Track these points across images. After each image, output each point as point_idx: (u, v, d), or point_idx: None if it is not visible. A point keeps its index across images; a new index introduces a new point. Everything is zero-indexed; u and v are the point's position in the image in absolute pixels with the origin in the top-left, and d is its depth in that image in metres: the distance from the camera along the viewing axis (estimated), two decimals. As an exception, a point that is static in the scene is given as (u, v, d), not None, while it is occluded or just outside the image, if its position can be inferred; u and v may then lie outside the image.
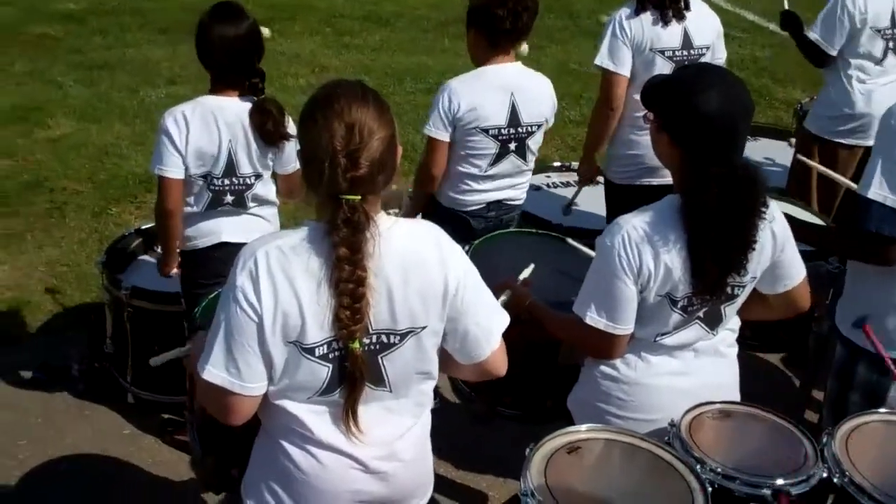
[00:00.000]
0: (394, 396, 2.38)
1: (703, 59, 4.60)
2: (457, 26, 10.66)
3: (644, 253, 2.64)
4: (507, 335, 2.50)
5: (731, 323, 2.93)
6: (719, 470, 2.58)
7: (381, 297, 2.23)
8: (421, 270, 2.28)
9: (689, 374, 2.87)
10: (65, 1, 10.97)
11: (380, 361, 2.30)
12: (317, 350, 2.23)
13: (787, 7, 5.51)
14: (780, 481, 2.55)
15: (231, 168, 3.81)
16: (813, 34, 5.26)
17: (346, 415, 2.32)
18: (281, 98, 3.94)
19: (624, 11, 4.54)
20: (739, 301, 2.83)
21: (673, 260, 2.64)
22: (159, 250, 4.33)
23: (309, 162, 2.22)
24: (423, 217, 3.27)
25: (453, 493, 4.13)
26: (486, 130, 4.07)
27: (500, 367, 2.52)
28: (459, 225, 4.12)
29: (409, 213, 4.20)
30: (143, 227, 5.02)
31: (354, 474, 2.39)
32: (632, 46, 4.50)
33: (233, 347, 2.21)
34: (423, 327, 2.31)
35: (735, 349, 3.01)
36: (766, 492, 2.55)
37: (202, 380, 2.26)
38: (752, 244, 2.66)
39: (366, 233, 2.17)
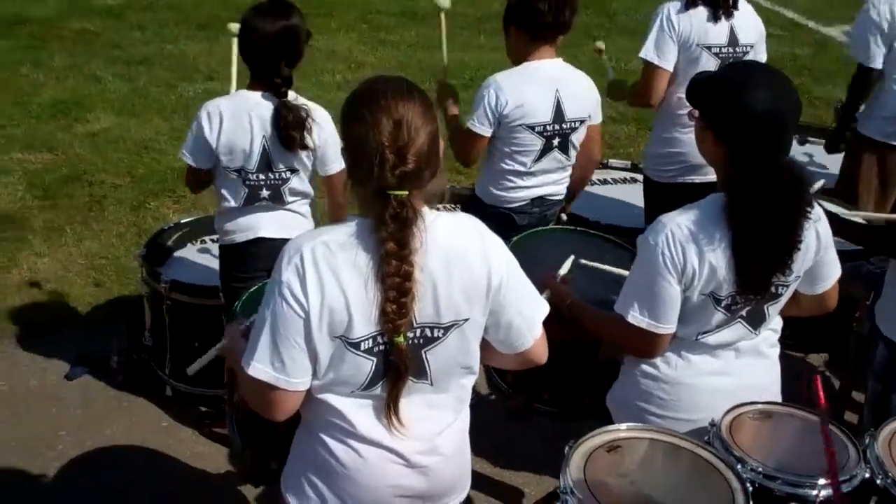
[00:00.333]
0: (435, 391, 2.38)
1: (746, 58, 4.56)
2: (492, 23, 10.65)
3: (688, 252, 2.63)
4: (547, 332, 2.50)
5: (774, 323, 2.91)
6: (760, 469, 2.57)
7: (426, 291, 2.23)
8: (464, 264, 2.28)
9: (731, 374, 2.86)
10: (104, -4, 11.07)
11: (423, 355, 2.31)
12: (362, 344, 2.24)
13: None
14: (821, 481, 2.53)
15: (266, 163, 3.82)
16: (855, 55, 5.21)
17: (388, 409, 2.32)
18: (317, 94, 3.96)
19: (672, 5, 4.50)
20: (783, 300, 2.81)
21: (717, 259, 2.63)
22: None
23: (356, 158, 2.22)
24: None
25: (489, 490, 4.13)
26: (531, 127, 4.05)
27: (542, 355, 2.53)
28: (503, 221, 4.10)
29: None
30: (183, 220, 5.06)
31: (395, 468, 2.39)
32: (678, 42, 4.46)
33: (278, 343, 2.22)
34: (466, 320, 2.31)
35: (777, 349, 2.99)
36: (808, 491, 2.54)
37: (246, 375, 2.27)
38: (798, 244, 2.64)
39: (413, 228, 2.17)
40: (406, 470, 2.40)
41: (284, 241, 2.50)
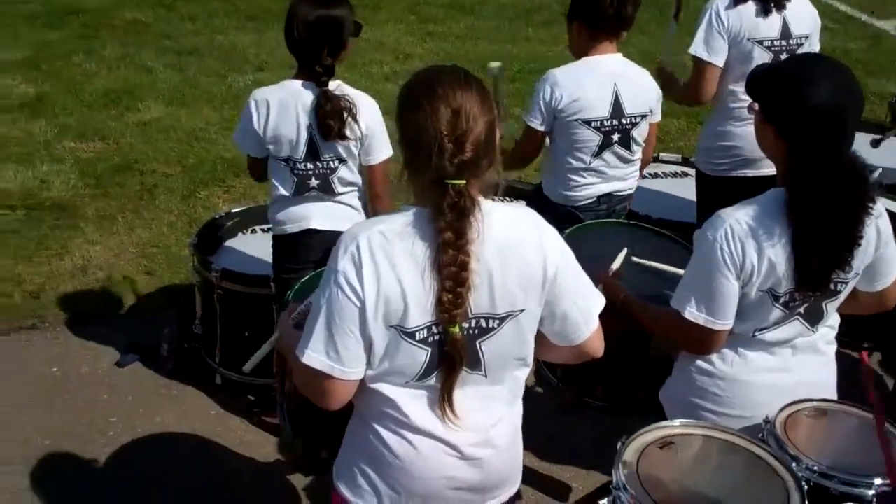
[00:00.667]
0: (489, 383, 2.37)
1: (801, 50, 4.49)
2: (541, 14, 10.64)
3: (748, 247, 2.60)
4: (603, 326, 2.48)
5: (832, 320, 2.88)
6: (815, 468, 2.54)
7: (482, 281, 2.23)
8: (520, 254, 2.27)
9: (787, 371, 2.82)
10: (155, -13, 11.17)
11: (478, 346, 2.30)
12: (417, 334, 2.24)
13: None
14: (878, 480, 2.50)
15: (314, 152, 3.82)
16: None
17: (442, 399, 2.32)
18: (365, 85, 3.96)
19: (721, 1, 4.46)
20: (841, 297, 2.78)
21: (777, 255, 2.60)
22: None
23: (413, 147, 2.21)
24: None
25: (537, 484, 4.12)
26: (587, 122, 4.03)
27: (598, 348, 2.51)
28: (570, 220, 4.04)
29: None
30: (234, 210, 5.09)
31: (449, 460, 2.39)
32: (728, 37, 4.41)
33: (333, 332, 2.22)
34: (522, 311, 2.30)
35: (833, 347, 2.95)
36: (864, 491, 2.50)
37: (301, 364, 2.28)
38: (859, 240, 2.61)
39: (470, 217, 2.17)
40: (459, 462, 2.40)
41: (336, 233, 2.51)
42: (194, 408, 4.60)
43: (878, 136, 5.26)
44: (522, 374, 2.45)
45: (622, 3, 3.94)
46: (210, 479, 4.18)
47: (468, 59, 9.19)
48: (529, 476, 4.05)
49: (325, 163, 3.86)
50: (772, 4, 4.40)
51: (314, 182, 3.89)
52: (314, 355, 2.25)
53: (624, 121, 4.09)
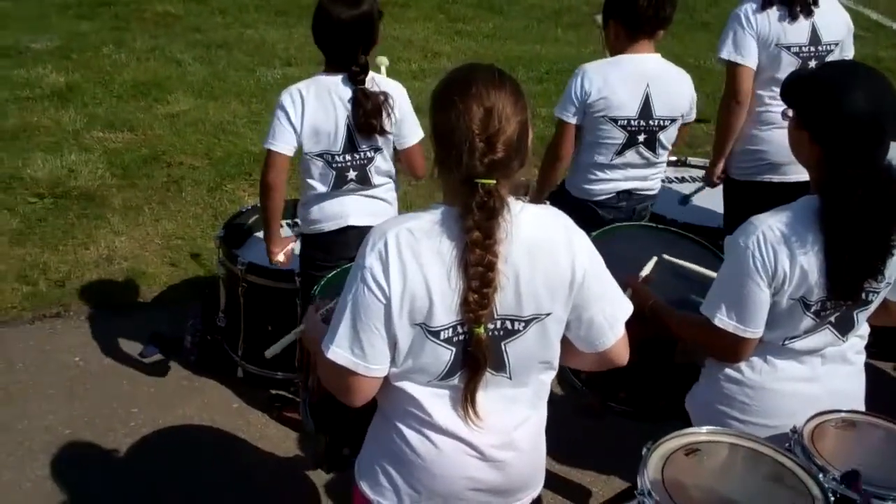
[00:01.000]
0: (513, 385, 2.36)
1: (831, 56, 4.46)
2: (570, 15, 10.62)
3: (780, 255, 2.58)
4: (627, 330, 2.46)
5: (862, 329, 2.85)
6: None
7: (509, 282, 2.21)
8: (548, 257, 2.25)
9: (816, 381, 2.80)
10: (186, -20, 11.22)
11: (503, 348, 2.29)
12: (442, 333, 2.23)
13: None
14: (905, 494, 2.48)
15: (352, 144, 3.83)
16: None
17: (465, 400, 2.30)
18: (392, 83, 3.95)
19: (749, 5, 4.42)
20: (873, 307, 2.76)
21: (810, 263, 2.58)
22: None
23: (444, 145, 2.20)
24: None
25: (557, 488, 4.10)
26: (614, 120, 4.00)
27: (623, 355, 2.48)
28: (587, 215, 4.05)
29: (536, 198, 4.18)
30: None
31: (470, 461, 2.37)
32: (758, 40, 4.39)
33: (359, 328, 2.22)
34: (548, 314, 2.28)
35: (863, 357, 2.93)
36: (892, 504, 2.48)
37: (325, 359, 2.27)
38: (892, 249, 2.59)
39: (499, 218, 2.15)
40: (481, 463, 2.38)
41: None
42: (215, 401, 4.60)
43: None
44: (548, 378, 2.44)
45: (660, 4, 3.92)
46: (230, 473, 4.17)
47: (496, 59, 9.17)
48: (549, 479, 3.98)
49: (362, 153, 3.87)
50: (798, 10, 4.37)
51: (352, 174, 3.89)
52: (339, 351, 2.25)
53: (651, 122, 4.06)
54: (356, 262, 2.26)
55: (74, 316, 5.21)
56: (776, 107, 4.19)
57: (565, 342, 2.40)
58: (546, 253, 2.25)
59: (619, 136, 4.05)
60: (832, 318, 2.71)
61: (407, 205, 5.71)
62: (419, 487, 2.39)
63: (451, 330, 2.23)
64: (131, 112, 7.72)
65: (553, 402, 2.52)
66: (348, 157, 3.85)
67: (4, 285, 5.38)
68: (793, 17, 4.39)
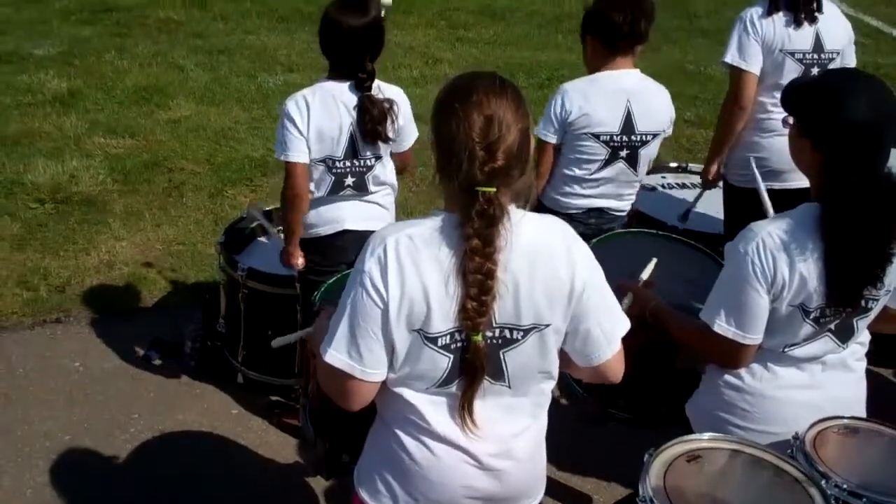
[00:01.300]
0: (513, 394, 2.35)
1: (832, 64, 4.48)
2: (571, 22, 10.61)
3: (779, 261, 2.58)
4: (626, 337, 2.45)
5: (862, 337, 2.85)
6: (845, 486, 2.50)
7: (508, 291, 2.21)
8: (548, 267, 2.25)
9: (816, 388, 2.80)
10: (189, -15, 11.24)
11: (501, 356, 2.28)
12: (440, 340, 2.22)
13: None
14: (907, 501, 2.47)
15: (353, 150, 3.84)
16: None
17: (463, 408, 2.30)
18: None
19: (755, 10, 4.44)
20: (872, 314, 2.75)
21: (809, 269, 2.57)
22: (274, 234, 4.41)
23: (445, 152, 2.20)
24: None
25: (557, 494, 4.09)
26: (597, 136, 4.01)
27: (618, 371, 2.47)
28: None
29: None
30: (243, 214, 5.09)
31: (467, 469, 2.37)
32: (762, 45, 4.40)
33: (356, 332, 2.22)
34: (547, 325, 2.28)
35: (863, 364, 2.92)
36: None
37: (323, 362, 2.27)
38: (891, 257, 2.58)
39: (499, 226, 2.15)
40: (478, 472, 2.38)
41: (369, 232, 2.49)
42: (215, 407, 4.60)
43: None
44: (548, 387, 2.43)
45: (636, 20, 3.92)
46: (229, 480, 4.17)
47: (497, 66, 9.21)
48: (551, 486, 3.97)
49: (362, 161, 3.89)
50: (803, 16, 4.38)
51: (350, 181, 3.90)
52: (336, 354, 2.25)
53: (634, 138, 4.06)
54: (356, 266, 2.26)
55: (75, 321, 5.21)
56: (778, 114, 4.19)
57: (563, 354, 2.40)
58: (546, 262, 2.25)
59: (602, 152, 4.05)
60: (832, 326, 2.70)
61: (407, 211, 5.72)
62: (416, 495, 2.39)
63: (448, 337, 2.22)
64: (133, 118, 7.73)
65: (554, 408, 2.51)
66: (348, 164, 3.86)
67: (5, 291, 5.38)
68: (797, 24, 4.40)
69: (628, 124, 4.04)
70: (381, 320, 2.20)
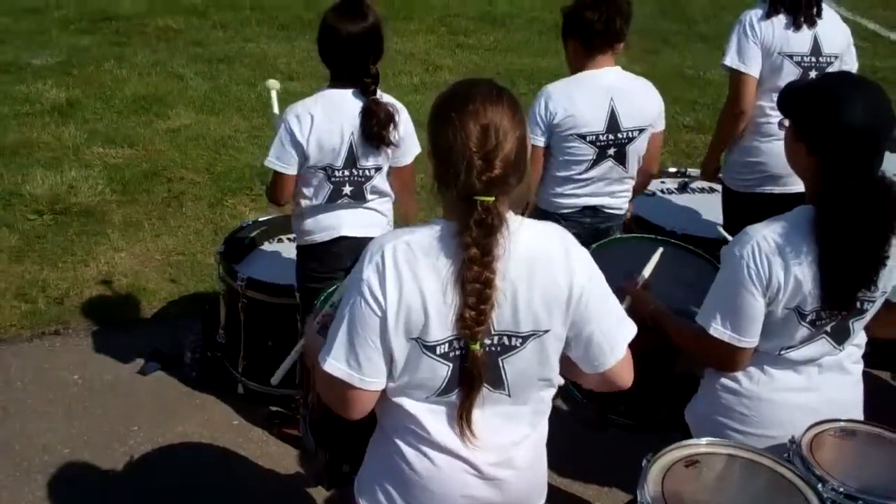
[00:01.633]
0: (512, 402, 2.34)
1: (831, 68, 4.47)
2: (571, 28, 10.62)
3: (774, 265, 2.58)
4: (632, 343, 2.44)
5: (858, 339, 2.85)
6: (842, 489, 2.50)
7: (506, 298, 2.20)
8: (546, 273, 2.24)
9: (813, 391, 2.79)
10: (188, -6, 11.26)
11: (500, 363, 2.27)
12: (438, 348, 2.22)
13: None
14: (906, 504, 2.46)
15: (352, 159, 3.84)
16: None
17: (461, 417, 2.29)
18: (394, 96, 3.95)
19: (754, 13, 4.44)
20: (868, 316, 2.75)
21: (804, 273, 2.58)
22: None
23: (442, 162, 2.19)
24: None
25: (558, 501, 4.04)
26: (583, 136, 4.00)
27: (626, 378, 2.45)
28: None
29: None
30: (260, 218, 5.09)
31: (468, 479, 2.36)
32: (761, 48, 4.39)
33: (355, 341, 2.21)
34: (546, 331, 2.27)
35: (860, 366, 2.92)
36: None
37: (322, 371, 2.26)
38: (885, 260, 2.59)
39: (497, 235, 2.14)
40: (478, 481, 2.37)
41: (366, 239, 2.49)
42: (216, 418, 4.58)
43: None
44: (548, 395, 2.42)
45: (610, 19, 3.93)
46: (230, 491, 4.16)
47: (497, 72, 9.21)
48: (551, 493, 3.93)
49: (360, 171, 3.88)
50: (802, 19, 4.38)
51: (347, 189, 3.90)
52: (335, 363, 2.24)
53: (620, 135, 4.05)
54: (354, 274, 2.26)
55: (73, 333, 5.20)
56: (776, 118, 4.19)
57: (568, 360, 2.38)
58: (544, 269, 2.24)
59: (589, 152, 4.04)
60: (828, 328, 2.70)
61: (406, 218, 5.70)
62: (416, 505, 2.38)
63: (447, 345, 2.22)
64: (132, 127, 7.73)
65: (554, 415, 2.50)
66: (346, 173, 3.86)
67: (3, 303, 5.37)
68: (796, 27, 4.40)
69: (613, 122, 4.03)
70: (380, 329, 2.19)
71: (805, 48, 4.42)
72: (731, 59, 4.46)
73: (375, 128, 3.77)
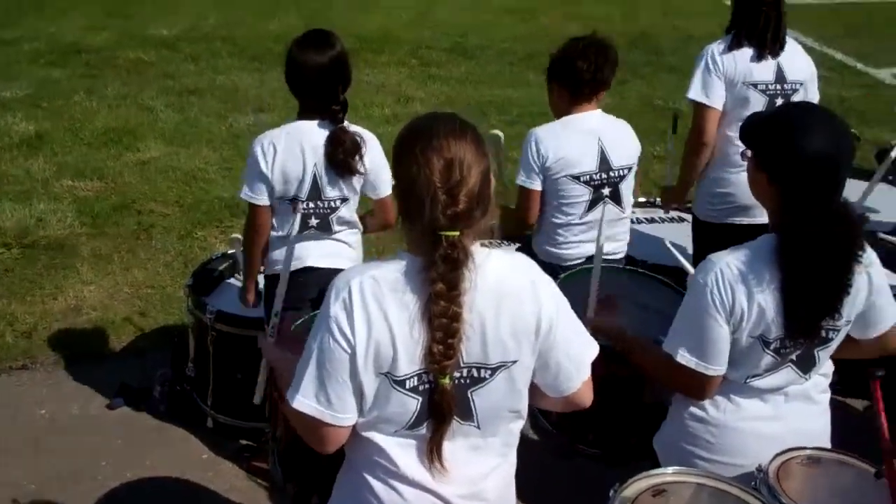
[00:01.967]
0: (482, 434, 2.33)
1: (796, 96, 4.53)
2: (541, 59, 10.61)
3: (737, 292, 2.59)
4: (593, 370, 2.45)
5: (825, 367, 2.86)
6: (809, 518, 2.51)
7: (474, 331, 2.20)
8: (514, 304, 2.24)
9: (779, 419, 2.80)
10: (158, 27, 11.26)
11: (469, 396, 2.27)
12: (407, 382, 2.21)
13: None
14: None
15: (316, 191, 3.85)
16: None
17: (431, 450, 2.28)
18: (365, 127, 3.96)
19: (717, 46, 4.50)
20: (833, 345, 2.76)
21: (767, 300, 2.59)
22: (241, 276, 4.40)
23: (407, 197, 2.19)
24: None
25: (528, 531, 4.06)
26: (576, 177, 4.04)
27: (588, 398, 2.46)
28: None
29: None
30: (230, 251, 5.07)
31: (436, 511, 2.35)
32: (724, 81, 4.45)
33: (324, 378, 2.20)
34: (515, 361, 2.27)
35: (827, 395, 2.93)
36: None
37: (291, 409, 2.25)
38: (848, 288, 2.61)
39: (463, 269, 2.14)
40: (448, 514, 2.35)
41: (332, 270, 2.48)
42: (185, 452, 4.54)
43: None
44: (517, 427, 2.41)
45: (599, 68, 4.00)
46: (199, 525, 4.13)
47: (468, 104, 9.27)
48: (521, 523, 4.00)
49: (326, 203, 3.89)
50: (767, 52, 4.44)
51: (314, 221, 3.91)
52: (304, 401, 2.23)
53: (612, 174, 4.10)
54: (322, 310, 2.25)
55: (41, 368, 5.15)
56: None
57: (533, 387, 2.38)
58: (512, 301, 2.24)
59: (585, 193, 4.08)
60: (793, 357, 2.71)
61: (379, 249, 5.71)
62: (385, 538, 2.36)
63: (416, 379, 2.21)
64: (102, 160, 7.71)
65: (523, 444, 2.49)
66: (311, 205, 3.86)
67: (-29, 337, 5.33)
68: (760, 58, 4.46)
69: (604, 161, 4.08)
70: (349, 365, 2.18)
71: (769, 76, 4.48)
72: (694, 93, 4.52)
73: (341, 155, 3.78)
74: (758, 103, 4.44)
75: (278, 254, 3.97)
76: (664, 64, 10.86)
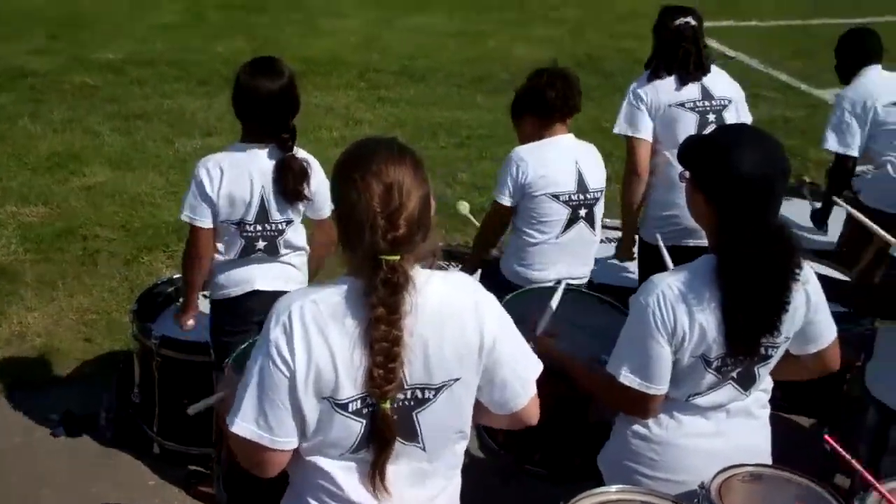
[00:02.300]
0: (427, 458, 2.33)
1: (726, 112, 4.64)
2: (490, 82, 10.76)
3: (679, 312, 2.62)
4: (538, 390, 2.46)
5: (765, 384, 2.90)
6: (751, 534, 2.53)
7: (417, 353, 2.20)
8: (456, 324, 2.25)
9: (721, 436, 2.83)
10: (104, 51, 11.16)
11: (414, 417, 2.27)
12: (350, 405, 2.20)
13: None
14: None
15: (264, 214, 3.84)
16: (831, 146, 5.28)
17: (375, 473, 2.27)
18: (314, 150, 3.97)
19: (638, 82, 4.68)
20: (773, 362, 2.80)
21: (707, 320, 2.62)
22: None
23: (346, 222, 2.20)
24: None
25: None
26: (556, 196, 4.13)
27: (534, 415, 2.47)
28: None
29: (467, 268, 4.25)
30: (175, 276, 5.03)
31: (382, 535, 2.34)
32: (650, 111, 4.58)
33: (264, 402, 2.19)
34: (457, 379, 2.27)
35: (767, 410, 2.97)
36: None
37: (231, 433, 2.24)
38: (786, 305, 2.64)
39: (403, 293, 2.14)
40: (392, 538, 2.34)
41: (279, 293, 2.47)
42: (131, 478, 4.49)
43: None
44: (461, 448, 2.42)
45: (567, 94, 4.16)
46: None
47: (418, 126, 9.28)
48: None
49: (273, 225, 3.89)
50: (690, 78, 4.60)
51: (261, 244, 3.91)
52: (243, 424, 2.22)
53: (588, 196, 4.21)
54: (262, 334, 2.24)
55: (-16, 395, 5.07)
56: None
57: (479, 405, 2.39)
58: (454, 320, 2.25)
59: (563, 213, 4.17)
60: (734, 374, 2.75)
61: (327, 272, 5.68)
62: (330, 562, 2.35)
63: (359, 402, 2.21)
64: (46, 185, 7.61)
65: (469, 465, 2.50)
66: (259, 228, 3.86)
67: (-89, 366, 5.23)
68: (683, 83, 4.59)
69: (581, 183, 4.19)
70: (289, 390, 2.17)
71: (696, 94, 4.61)
72: (619, 127, 4.68)
73: (291, 183, 3.78)
74: (689, 121, 4.55)
75: (224, 278, 3.96)
76: (613, 85, 10.94)
